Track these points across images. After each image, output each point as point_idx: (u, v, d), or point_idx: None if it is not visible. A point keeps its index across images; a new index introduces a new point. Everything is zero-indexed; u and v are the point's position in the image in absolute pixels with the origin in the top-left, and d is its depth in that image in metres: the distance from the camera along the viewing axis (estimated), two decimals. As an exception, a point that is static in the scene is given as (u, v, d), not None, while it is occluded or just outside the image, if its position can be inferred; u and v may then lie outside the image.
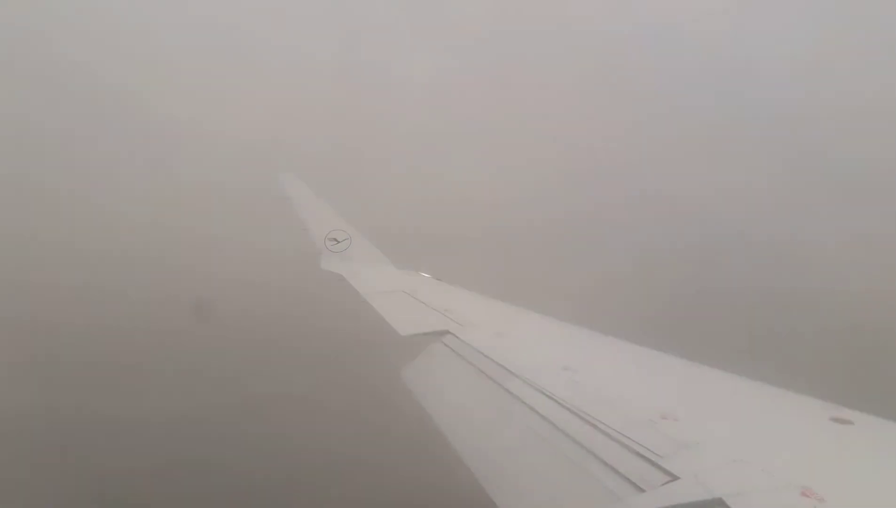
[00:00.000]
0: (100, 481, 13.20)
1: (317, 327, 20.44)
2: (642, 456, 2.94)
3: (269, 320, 23.37)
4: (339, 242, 10.09)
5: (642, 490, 2.69)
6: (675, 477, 2.68)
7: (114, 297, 25.30)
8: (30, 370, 18.21)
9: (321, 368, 19.13)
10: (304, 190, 10.43)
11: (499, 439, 3.82)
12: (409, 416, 4.83)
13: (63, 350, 19.75)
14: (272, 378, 18.60)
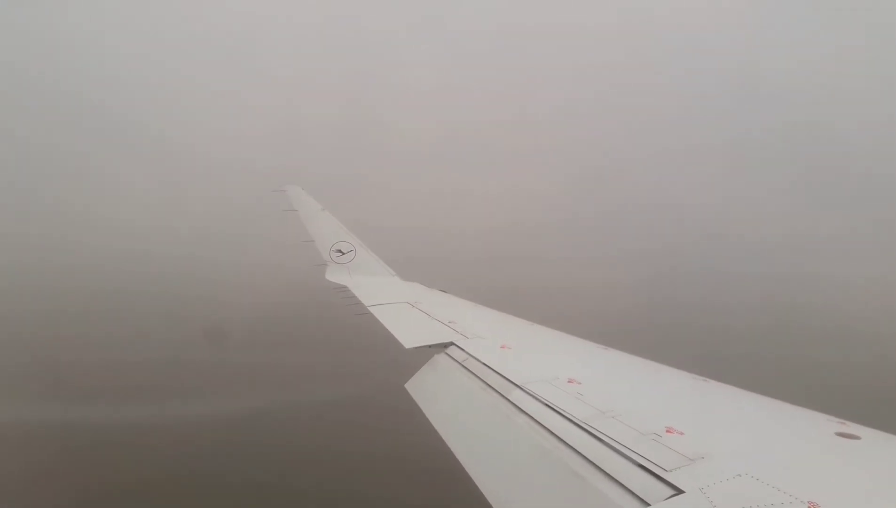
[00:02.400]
0: (104, 485, 13.21)
1: (321, 338, 20.49)
2: (647, 470, 2.93)
3: (273, 330, 23.46)
4: (344, 253, 10.16)
5: (647, 505, 2.69)
6: (679, 491, 2.68)
7: (121, 308, 25.57)
8: (36, 377, 18.38)
9: (325, 378, 19.14)
10: (311, 202, 10.53)
11: (503, 451, 3.81)
12: (414, 426, 4.82)
13: (67, 359, 19.92)
14: (276, 388, 18.62)
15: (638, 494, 2.77)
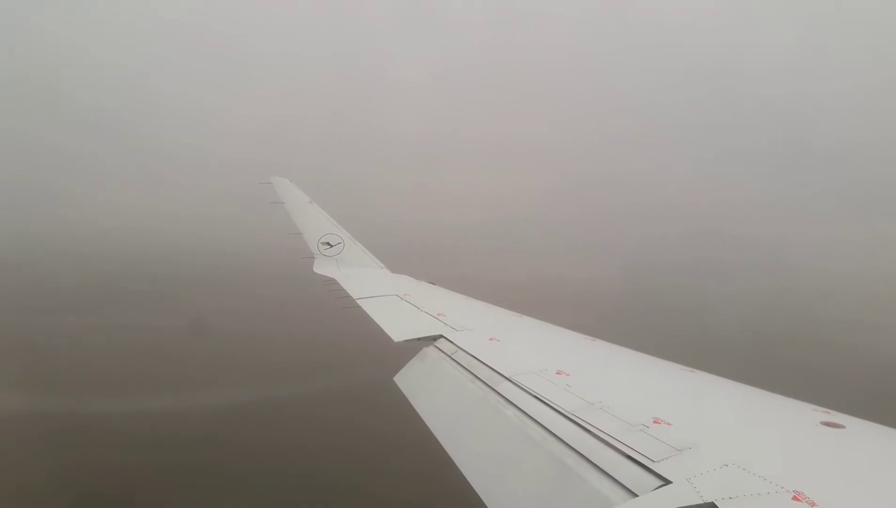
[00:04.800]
0: (95, 481, 13.08)
1: (309, 331, 20.41)
2: (635, 461, 2.93)
3: (260, 324, 23.34)
4: (332, 246, 10.04)
5: (635, 495, 2.69)
6: (667, 482, 2.68)
7: (111, 303, 25.32)
8: (29, 374, 18.16)
9: (313, 371, 19.08)
10: (298, 194, 10.38)
11: (491, 442, 3.80)
12: (402, 419, 4.80)
13: (62, 355, 19.70)
14: (264, 381, 18.54)
15: (626, 485, 2.77)
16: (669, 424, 3.31)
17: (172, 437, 14.86)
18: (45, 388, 17.12)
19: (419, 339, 5.88)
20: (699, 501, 2.44)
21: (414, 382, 5.13)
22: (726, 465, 2.74)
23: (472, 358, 5.01)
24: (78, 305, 24.71)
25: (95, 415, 15.57)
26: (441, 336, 5.81)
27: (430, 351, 5.55)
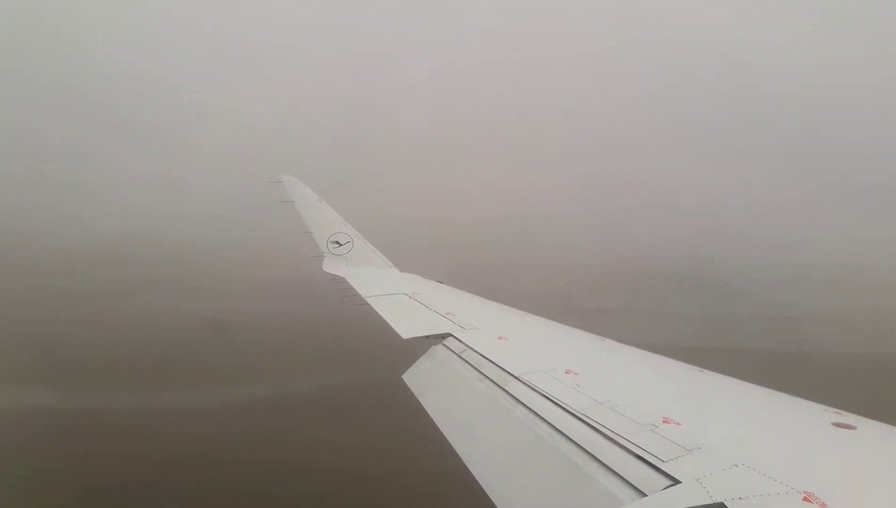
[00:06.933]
0: (104, 476, 13.27)
1: (318, 329, 20.52)
2: (644, 461, 2.92)
3: (270, 322, 23.50)
4: (341, 244, 10.10)
5: (644, 495, 2.68)
6: (676, 482, 2.67)
7: (120, 300, 25.62)
8: (36, 371, 18.43)
9: (321, 369, 19.19)
10: (307, 193, 10.45)
11: (500, 441, 3.81)
12: (410, 417, 4.82)
13: (70, 351, 19.97)
14: (273, 379, 18.67)
15: (635, 484, 2.77)
16: (679, 424, 3.30)
17: (181, 433, 15.03)
18: (51, 386, 17.36)
19: (427, 337, 5.91)
20: (709, 501, 2.44)
21: (422, 380, 5.15)
22: (736, 465, 2.73)
23: (480, 357, 5.02)
24: (84, 303, 25.00)
25: (105, 412, 15.81)
26: (449, 335, 5.82)
27: (438, 350, 5.57)
